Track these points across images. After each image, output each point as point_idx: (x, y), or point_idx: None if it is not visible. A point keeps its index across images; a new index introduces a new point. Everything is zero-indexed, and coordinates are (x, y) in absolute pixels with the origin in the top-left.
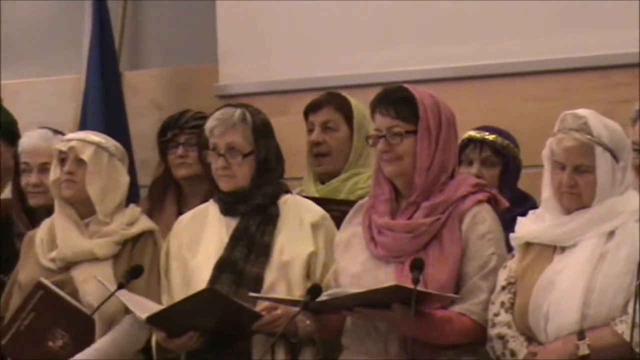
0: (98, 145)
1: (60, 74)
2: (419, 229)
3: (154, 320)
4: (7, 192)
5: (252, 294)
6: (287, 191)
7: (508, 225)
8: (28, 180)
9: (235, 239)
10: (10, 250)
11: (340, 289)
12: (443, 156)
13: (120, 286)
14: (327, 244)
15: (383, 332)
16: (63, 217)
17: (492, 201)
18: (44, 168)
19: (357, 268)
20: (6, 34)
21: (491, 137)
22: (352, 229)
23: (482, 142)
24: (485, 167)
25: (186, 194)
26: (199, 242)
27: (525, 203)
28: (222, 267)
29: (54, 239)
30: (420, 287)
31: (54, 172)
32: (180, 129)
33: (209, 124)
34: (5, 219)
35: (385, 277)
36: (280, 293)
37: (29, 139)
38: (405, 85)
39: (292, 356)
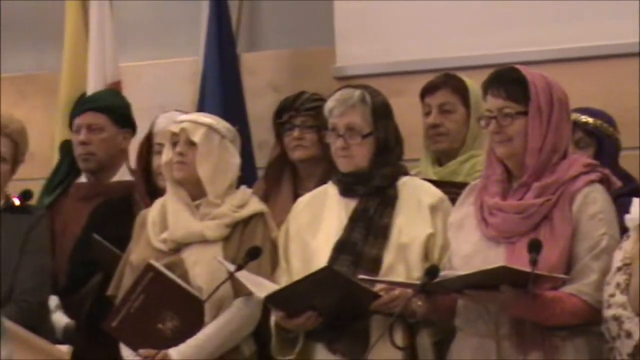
0: (209, 127)
1: (179, 56)
2: (530, 210)
3: (273, 300)
4: (120, 174)
5: (362, 276)
6: (406, 173)
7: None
8: (160, 162)
9: (354, 220)
10: (129, 230)
11: (450, 271)
12: (555, 137)
13: (239, 267)
14: (445, 225)
15: (494, 314)
16: (174, 198)
17: (604, 181)
18: None
19: (469, 249)
20: (126, 17)
21: (582, 118)
22: (465, 209)
23: (574, 123)
24: (579, 149)
25: (302, 176)
26: (319, 223)
27: (629, 183)
28: (341, 248)
29: (165, 220)
30: (528, 268)
31: (166, 154)
32: (296, 111)
33: (329, 104)
34: (125, 198)
35: (495, 258)
36: (399, 274)
37: (165, 121)
38: (517, 66)
39: (409, 337)
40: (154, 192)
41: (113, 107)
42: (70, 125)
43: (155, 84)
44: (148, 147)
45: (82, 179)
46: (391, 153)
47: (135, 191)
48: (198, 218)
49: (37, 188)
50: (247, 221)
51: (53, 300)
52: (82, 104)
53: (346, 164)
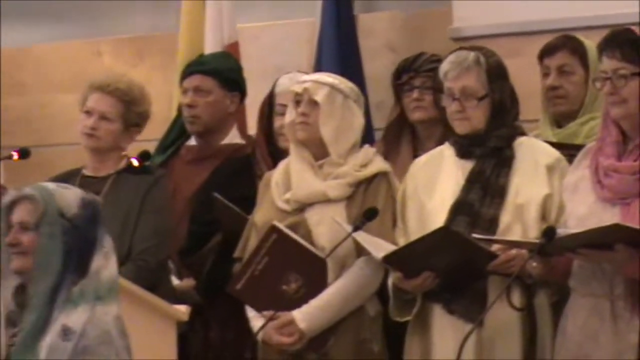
0: (332, 87)
1: (297, 18)
2: None
3: (390, 260)
4: (230, 137)
5: (476, 235)
6: (522, 133)
7: None
8: (282, 122)
9: (471, 181)
10: (250, 190)
11: (563, 229)
12: None
13: (356, 228)
14: (562, 186)
15: (609, 274)
16: (298, 158)
17: None
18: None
19: (584, 210)
20: None
21: None
22: (580, 172)
23: None
24: None
25: (421, 137)
26: (435, 184)
27: None
28: (458, 209)
29: (288, 181)
30: None
31: (289, 114)
32: (415, 72)
33: (443, 67)
34: (245, 158)
35: (610, 219)
36: (516, 235)
37: (287, 82)
38: (632, 27)
39: (527, 298)
40: (276, 153)
41: (221, 70)
42: (181, 87)
43: (273, 45)
44: (269, 109)
45: (193, 141)
46: (507, 114)
47: (256, 152)
48: (321, 178)
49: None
50: (370, 180)
51: None
52: (191, 66)
53: (462, 127)
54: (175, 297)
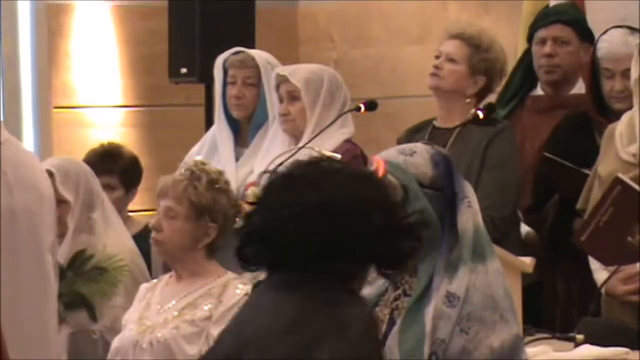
0: None
1: None
2: None
3: None
4: (577, 89)
5: None
6: None
7: None
8: (612, 86)
9: None
10: (589, 145)
11: None
12: None
13: None
14: None
15: None
16: None
17: None
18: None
19: None
20: None
21: None
22: None
23: None
24: None
25: None
26: None
27: None
28: None
29: (632, 132)
30: None
31: (634, 70)
32: None
33: None
34: (584, 114)
35: None
36: None
37: (607, 45)
38: None
39: None
40: (609, 114)
41: (579, 20)
42: (530, 37)
43: None
44: (594, 71)
45: (537, 91)
46: None
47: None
48: None
49: None
50: None
51: None
52: (548, 16)
53: None
54: (522, 248)
